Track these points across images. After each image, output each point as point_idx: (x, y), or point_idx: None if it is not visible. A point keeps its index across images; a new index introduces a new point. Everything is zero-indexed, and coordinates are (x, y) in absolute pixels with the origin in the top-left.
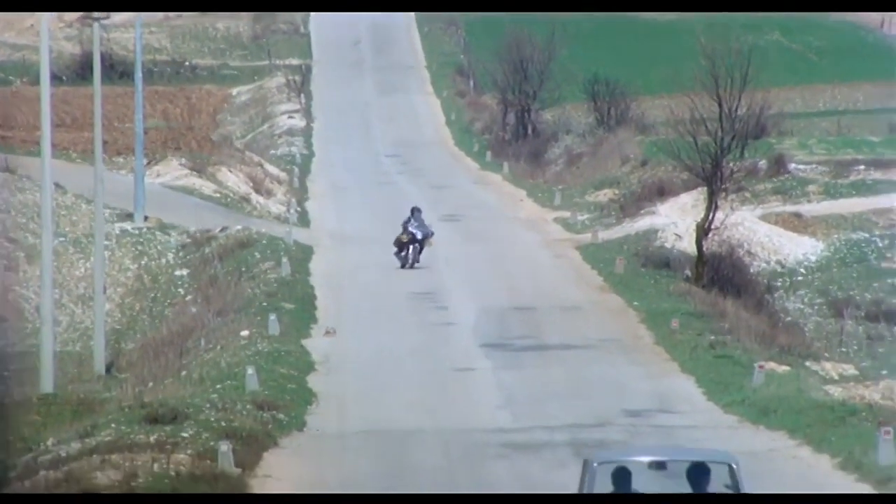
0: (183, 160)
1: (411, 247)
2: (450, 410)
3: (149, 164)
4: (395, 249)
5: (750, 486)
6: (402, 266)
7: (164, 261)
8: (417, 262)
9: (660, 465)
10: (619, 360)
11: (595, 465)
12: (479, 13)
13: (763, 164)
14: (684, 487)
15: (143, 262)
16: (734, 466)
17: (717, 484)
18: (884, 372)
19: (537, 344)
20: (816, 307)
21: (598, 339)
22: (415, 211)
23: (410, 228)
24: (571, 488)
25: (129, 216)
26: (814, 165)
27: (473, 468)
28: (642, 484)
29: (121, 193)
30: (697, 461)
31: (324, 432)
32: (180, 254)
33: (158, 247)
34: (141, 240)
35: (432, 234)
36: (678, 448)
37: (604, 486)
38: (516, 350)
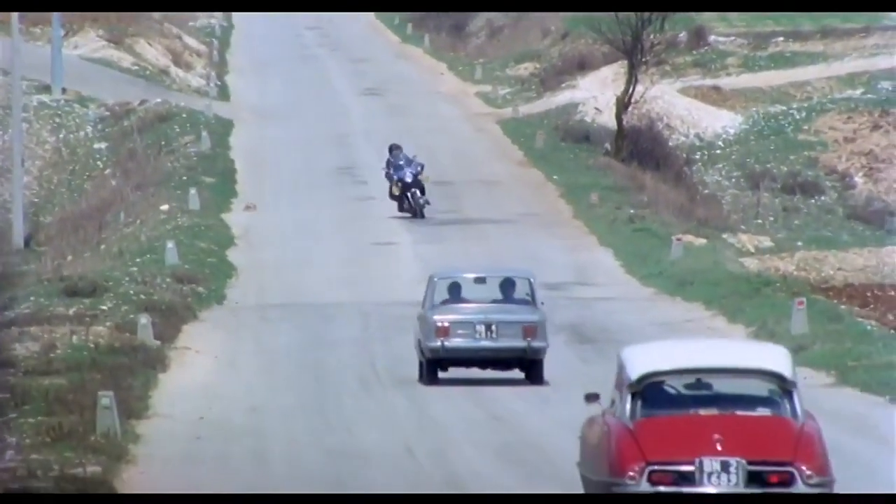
0: (100, 31)
1: (409, 194)
2: (369, 284)
3: (66, 35)
4: (395, 205)
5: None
6: (414, 216)
7: (82, 134)
8: (428, 203)
9: (480, 280)
10: (538, 234)
11: (436, 279)
12: None
13: (683, 36)
14: (497, 294)
15: (61, 135)
16: (531, 280)
17: (521, 291)
18: (799, 244)
19: (457, 218)
20: (734, 180)
21: (518, 213)
22: (393, 149)
23: (395, 174)
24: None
25: (46, 88)
26: (733, 38)
27: (391, 340)
28: (468, 292)
29: (38, 65)
30: (506, 276)
31: (243, 305)
32: (99, 127)
33: (77, 120)
34: (59, 112)
35: (422, 166)
36: (494, 267)
37: (441, 294)
38: (436, 224)
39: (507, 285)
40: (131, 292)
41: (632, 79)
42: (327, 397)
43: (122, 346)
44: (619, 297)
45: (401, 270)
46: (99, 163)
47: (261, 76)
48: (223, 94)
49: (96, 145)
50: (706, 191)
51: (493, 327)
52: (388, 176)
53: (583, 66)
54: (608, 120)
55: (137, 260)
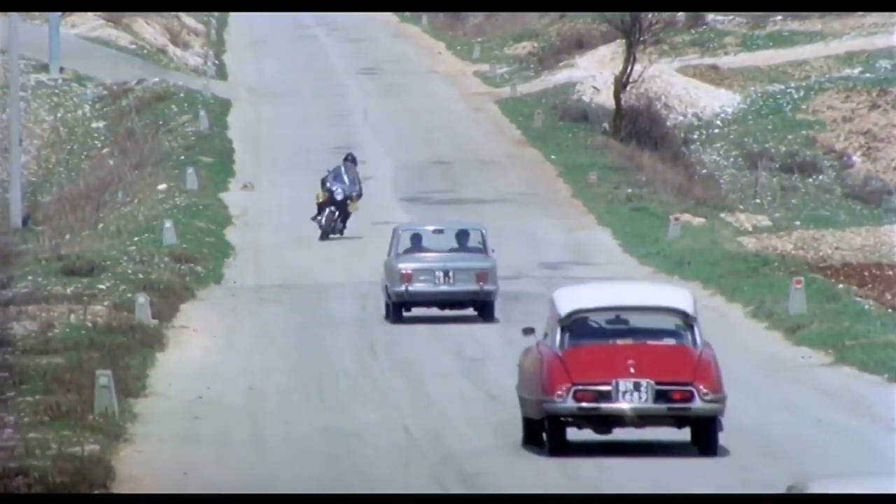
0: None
1: (328, 209)
2: (367, 264)
3: (63, 13)
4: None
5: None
6: (321, 235)
7: (80, 113)
8: (339, 231)
9: (438, 231)
10: (536, 214)
11: (399, 231)
12: None
13: (681, 15)
14: (453, 243)
15: (59, 115)
16: (483, 231)
17: (474, 241)
18: (796, 223)
19: (455, 198)
20: (732, 159)
21: (516, 193)
22: (346, 160)
23: (329, 184)
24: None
25: (44, 67)
26: (731, 17)
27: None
28: (428, 241)
29: (35, 44)
30: (461, 228)
31: (241, 285)
32: (97, 106)
33: (74, 99)
34: (57, 91)
35: (359, 193)
36: (452, 222)
37: (405, 244)
38: (434, 204)
39: (462, 236)
40: (129, 271)
41: (630, 58)
42: (325, 377)
43: (120, 325)
44: (617, 277)
45: None
46: (97, 142)
47: (259, 55)
48: (221, 73)
49: (94, 124)
50: (704, 170)
51: (450, 273)
52: (324, 180)
53: (581, 45)
54: (606, 99)
55: (135, 239)
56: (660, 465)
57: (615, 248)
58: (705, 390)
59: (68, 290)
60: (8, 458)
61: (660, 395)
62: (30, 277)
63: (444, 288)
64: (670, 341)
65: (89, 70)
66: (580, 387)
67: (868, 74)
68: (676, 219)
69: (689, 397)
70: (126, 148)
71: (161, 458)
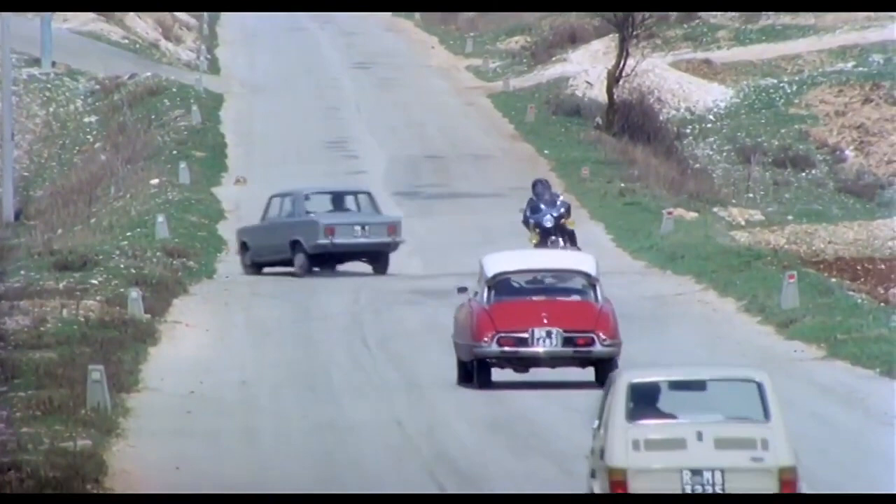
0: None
1: (549, 241)
2: None
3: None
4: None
5: (659, 327)
6: None
7: (72, 107)
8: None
9: (350, 194)
10: None
11: (306, 193)
12: None
13: None
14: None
15: (51, 109)
16: (371, 194)
17: (377, 201)
18: (789, 217)
19: (448, 192)
20: (725, 154)
21: (509, 188)
22: (536, 185)
23: (532, 217)
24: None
25: (36, 61)
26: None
27: (383, 313)
28: (343, 203)
29: (27, 38)
30: (367, 191)
31: (234, 279)
32: (89, 100)
33: (67, 93)
34: (49, 86)
35: (567, 207)
36: (355, 185)
37: (327, 206)
38: (427, 198)
39: (371, 197)
40: (121, 266)
41: (623, 52)
42: (317, 371)
43: (113, 319)
44: (609, 271)
45: None
46: (89, 136)
47: (251, 49)
48: (213, 67)
49: (86, 119)
50: (697, 165)
51: (366, 228)
52: (525, 220)
53: (574, 39)
54: (599, 94)
55: (128, 234)
56: None
57: (608, 242)
58: (604, 337)
59: (60, 285)
60: (0, 453)
61: (567, 341)
62: (22, 272)
63: (362, 240)
64: (576, 297)
65: (81, 64)
66: (503, 334)
67: (861, 68)
68: (669, 213)
69: (590, 342)
70: (118, 142)
71: (153, 452)
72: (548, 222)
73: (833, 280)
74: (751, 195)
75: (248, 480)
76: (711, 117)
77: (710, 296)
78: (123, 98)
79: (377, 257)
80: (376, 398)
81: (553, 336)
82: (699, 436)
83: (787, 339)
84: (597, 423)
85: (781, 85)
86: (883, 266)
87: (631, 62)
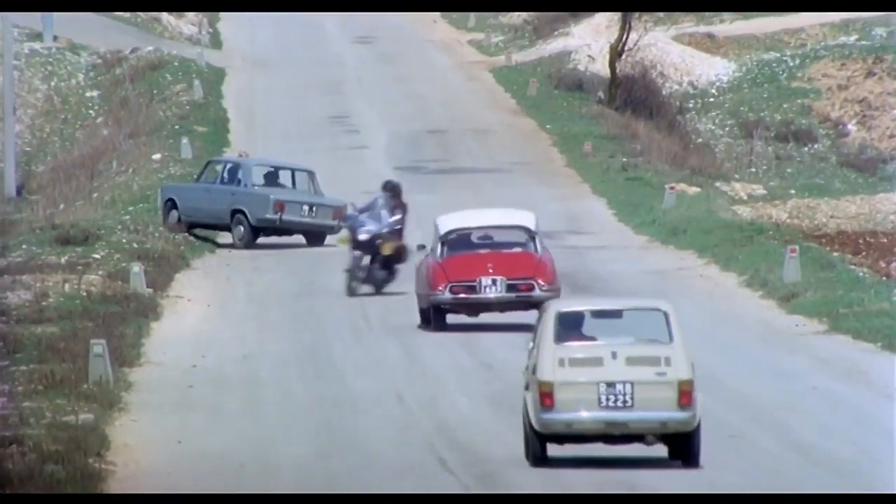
0: None
1: (352, 255)
2: None
3: None
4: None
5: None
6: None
7: (74, 82)
8: (378, 282)
9: (300, 171)
10: (530, 183)
11: (252, 165)
12: None
13: None
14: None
15: (52, 83)
16: (312, 172)
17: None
18: (791, 192)
19: (450, 167)
20: (727, 128)
21: (511, 163)
22: (388, 188)
23: (359, 223)
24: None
25: (37, 36)
26: None
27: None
28: (288, 181)
29: (28, 13)
30: (312, 170)
31: (235, 253)
32: (91, 74)
33: (68, 67)
34: (50, 60)
35: (401, 225)
36: (299, 164)
37: (274, 182)
38: (429, 173)
39: (312, 177)
40: (123, 241)
41: (625, 26)
42: (319, 345)
43: (115, 294)
44: (612, 246)
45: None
46: (91, 111)
47: (253, 24)
48: (215, 42)
49: (88, 93)
50: (699, 139)
51: (314, 208)
52: (352, 218)
53: (576, 13)
54: (601, 68)
55: (130, 208)
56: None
57: (610, 217)
58: (543, 283)
59: (63, 260)
60: (2, 427)
61: (510, 287)
62: (24, 247)
63: (307, 220)
64: (518, 249)
65: (83, 39)
66: (454, 283)
67: (864, 42)
68: (672, 188)
69: (531, 288)
70: (120, 117)
71: (155, 426)
72: (363, 234)
73: (835, 254)
74: (753, 170)
75: (250, 454)
76: (714, 91)
77: (712, 270)
78: (125, 72)
79: (316, 237)
80: (377, 372)
81: (498, 284)
82: (614, 355)
83: (788, 314)
84: (531, 345)
85: (784, 59)
86: (885, 240)
87: (633, 36)
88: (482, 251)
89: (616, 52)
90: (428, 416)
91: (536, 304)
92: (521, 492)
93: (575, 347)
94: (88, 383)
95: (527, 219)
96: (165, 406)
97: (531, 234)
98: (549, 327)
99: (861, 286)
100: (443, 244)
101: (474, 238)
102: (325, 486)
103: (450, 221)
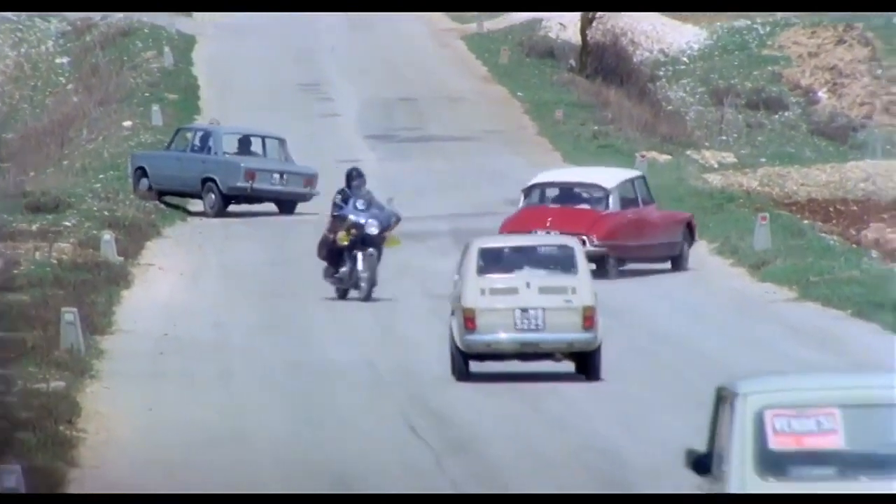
0: None
1: (358, 255)
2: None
3: None
4: (324, 264)
5: (631, 270)
6: (340, 296)
7: (43, 48)
8: (371, 285)
9: (274, 139)
10: (502, 151)
11: (222, 133)
12: None
13: None
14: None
15: (22, 50)
16: (285, 140)
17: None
18: (762, 159)
19: (421, 135)
20: (698, 96)
21: (482, 131)
22: (354, 178)
23: (352, 216)
24: (450, 273)
25: None
26: None
27: None
28: (259, 149)
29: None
30: (283, 138)
31: (207, 222)
32: (60, 41)
33: (38, 34)
34: (20, 27)
35: (397, 217)
36: (271, 132)
37: (246, 150)
38: (401, 141)
39: (283, 144)
40: (94, 209)
41: None
42: (291, 313)
43: (86, 262)
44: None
45: None
46: (61, 78)
47: None
48: None
49: (58, 60)
50: (670, 107)
51: (285, 176)
52: (340, 215)
53: None
54: (572, 35)
55: (101, 176)
56: (624, 396)
57: None
58: (596, 239)
59: (33, 227)
60: None
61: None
62: None
63: (279, 188)
64: (584, 206)
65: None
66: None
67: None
68: (643, 156)
69: (581, 243)
70: (90, 84)
71: (127, 393)
72: (372, 228)
73: (805, 222)
74: (724, 137)
75: (223, 422)
76: (685, 59)
77: None
78: (95, 39)
79: (287, 205)
80: (350, 340)
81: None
82: (528, 285)
83: (759, 281)
84: (457, 276)
85: (754, 26)
86: (855, 208)
87: None
88: (553, 206)
89: (587, 20)
90: (401, 384)
91: (590, 259)
92: (491, 458)
93: (494, 279)
94: (60, 351)
95: (604, 178)
96: (137, 374)
97: (605, 193)
98: (472, 261)
99: (831, 254)
100: (526, 197)
101: (549, 193)
102: (298, 455)
103: (539, 177)
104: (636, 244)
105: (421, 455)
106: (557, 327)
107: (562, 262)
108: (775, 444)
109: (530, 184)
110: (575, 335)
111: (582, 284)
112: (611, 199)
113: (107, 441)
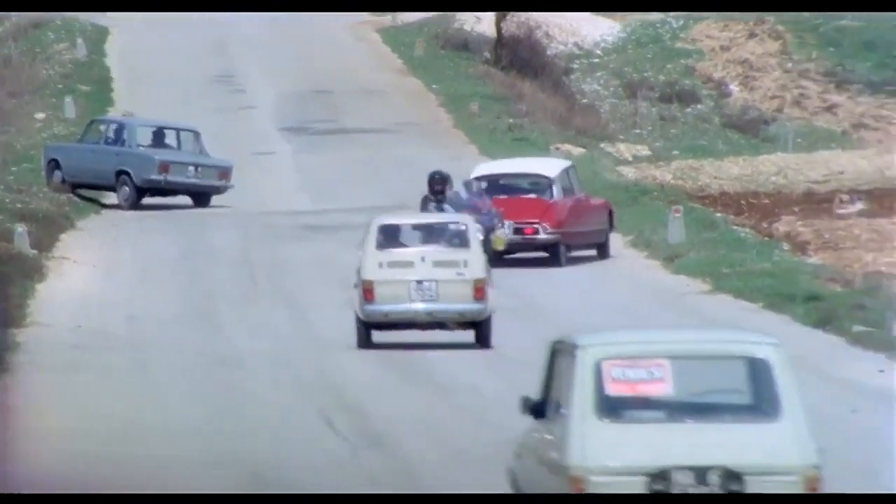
0: None
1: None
2: (248, 193)
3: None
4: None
5: (548, 262)
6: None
7: None
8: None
9: (189, 132)
10: (418, 144)
11: (136, 125)
12: None
13: None
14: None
15: None
16: (197, 131)
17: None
18: (675, 152)
19: (337, 128)
20: (612, 89)
21: (398, 123)
22: (436, 182)
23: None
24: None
25: None
26: None
27: (270, 248)
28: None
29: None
30: (196, 130)
31: (121, 215)
32: None
33: None
34: None
35: (499, 219)
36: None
37: (161, 143)
38: (315, 134)
39: (197, 136)
40: (7, 201)
41: None
42: (206, 306)
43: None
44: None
45: (280, 180)
46: None
47: None
48: None
49: None
50: (584, 100)
51: (199, 169)
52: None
53: None
54: (487, 28)
55: (13, 168)
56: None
57: None
58: (549, 227)
59: None
60: None
61: (517, 230)
62: None
63: (194, 181)
64: (532, 196)
65: None
66: None
67: None
68: (557, 149)
69: (536, 231)
70: (3, 76)
71: (42, 387)
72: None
73: (718, 215)
74: (638, 130)
75: (138, 415)
76: (599, 52)
77: None
78: (7, 31)
79: (201, 198)
80: (265, 333)
81: (505, 227)
82: (423, 259)
83: (673, 274)
84: (360, 252)
85: (668, 20)
86: (767, 201)
87: None
88: (501, 196)
89: (501, 13)
90: (316, 377)
91: (543, 247)
92: (411, 450)
93: (392, 253)
94: None
95: (546, 167)
96: (53, 367)
97: (549, 182)
98: (371, 237)
99: (743, 246)
100: (469, 190)
101: (492, 184)
102: (214, 447)
103: (479, 169)
104: (580, 230)
105: (338, 450)
106: (450, 298)
107: (456, 237)
108: (612, 390)
109: (473, 176)
110: (466, 305)
111: (474, 258)
112: (555, 188)
113: (23, 435)
